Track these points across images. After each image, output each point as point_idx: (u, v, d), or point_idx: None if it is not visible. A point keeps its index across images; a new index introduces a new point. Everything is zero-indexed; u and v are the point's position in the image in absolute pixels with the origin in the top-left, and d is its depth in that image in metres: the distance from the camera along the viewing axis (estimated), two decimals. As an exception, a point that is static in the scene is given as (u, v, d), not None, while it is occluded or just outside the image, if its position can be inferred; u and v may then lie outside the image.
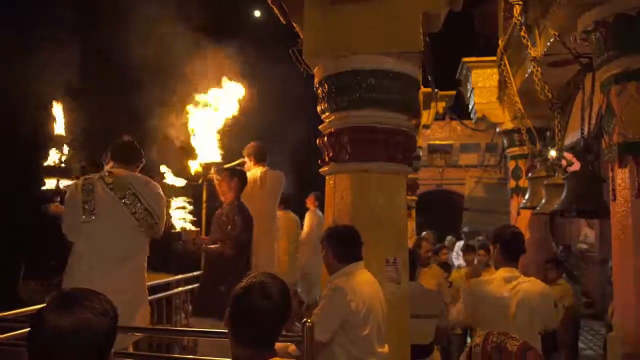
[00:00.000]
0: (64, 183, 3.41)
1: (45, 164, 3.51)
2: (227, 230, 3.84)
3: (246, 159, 4.81)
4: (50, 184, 3.44)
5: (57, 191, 3.38)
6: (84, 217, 3.02)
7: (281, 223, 5.57)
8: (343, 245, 2.71)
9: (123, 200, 3.07)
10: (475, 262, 6.33)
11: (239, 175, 4.08)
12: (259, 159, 4.75)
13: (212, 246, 3.86)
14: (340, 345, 2.55)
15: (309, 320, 2.24)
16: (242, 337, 1.61)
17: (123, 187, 3.10)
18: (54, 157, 3.54)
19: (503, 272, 3.06)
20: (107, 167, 3.27)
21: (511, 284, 2.99)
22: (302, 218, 7.03)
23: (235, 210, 3.90)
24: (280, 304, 1.61)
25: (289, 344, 2.52)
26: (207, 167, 4.07)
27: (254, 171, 4.69)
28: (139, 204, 3.10)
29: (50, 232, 3.28)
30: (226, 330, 1.64)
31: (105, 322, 1.28)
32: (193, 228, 3.87)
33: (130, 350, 3.18)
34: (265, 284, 1.61)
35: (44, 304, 1.29)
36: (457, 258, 9.11)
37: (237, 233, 3.82)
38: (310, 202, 7.06)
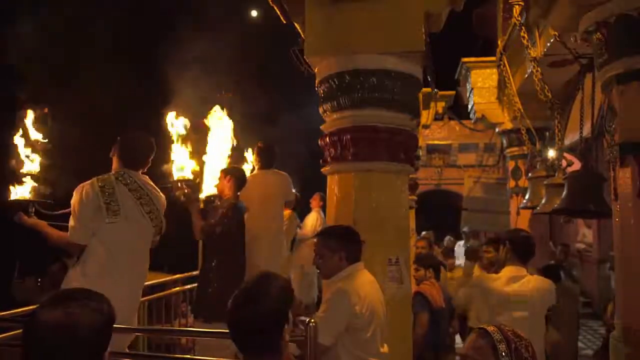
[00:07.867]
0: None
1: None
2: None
3: (254, 159, 4.80)
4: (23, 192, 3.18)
5: (30, 202, 3.14)
6: (107, 218, 2.89)
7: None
8: (349, 245, 2.64)
9: (140, 201, 3.04)
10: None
11: (232, 173, 4.03)
12: (269, 162, 4.73)
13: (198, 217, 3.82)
14: (344, 346, 2.53)
15: (312, 320, 2.22)
16: (241, 343, 1.62)
17: (139, 188, 3.06)
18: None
19: (510, 271, 3.07)
20: (118, 167, 3.11)
21: (518, 283, 3.01)
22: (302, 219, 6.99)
23: (232, 208, 3.90)
24: (276, 308, 1.60)
25: (290, 343, 2.50)
26: (176, 183, 3.62)
27: (262, 173, 4.70)
28: (152, 205, 3.08)
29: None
30: (226, 331, 1.64)
31: (96, 318, 1.26)
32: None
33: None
34: (260, 291, 1.60)
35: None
36: (457, 258, 9.07)
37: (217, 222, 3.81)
38: (314, 202, 7.03)
